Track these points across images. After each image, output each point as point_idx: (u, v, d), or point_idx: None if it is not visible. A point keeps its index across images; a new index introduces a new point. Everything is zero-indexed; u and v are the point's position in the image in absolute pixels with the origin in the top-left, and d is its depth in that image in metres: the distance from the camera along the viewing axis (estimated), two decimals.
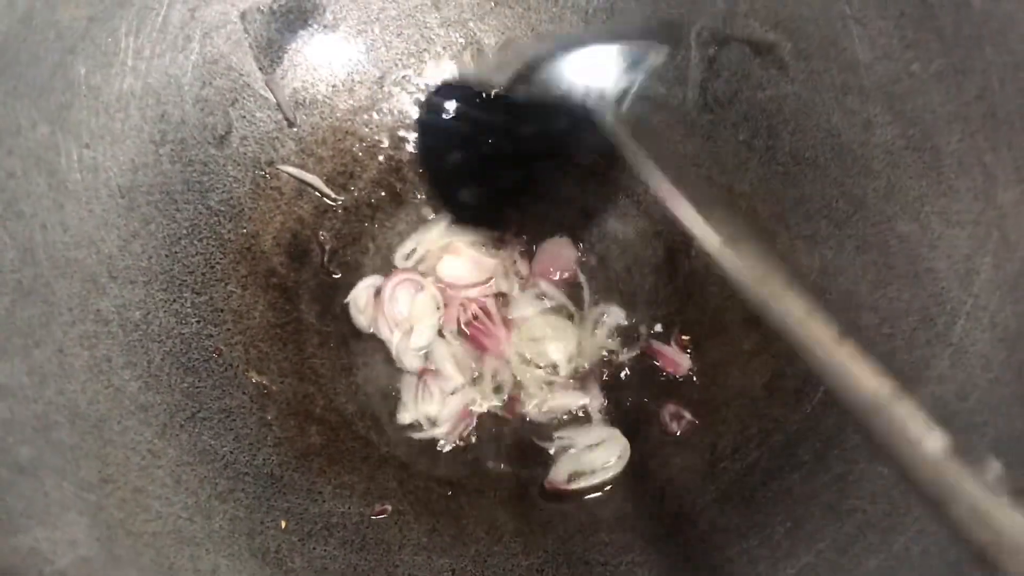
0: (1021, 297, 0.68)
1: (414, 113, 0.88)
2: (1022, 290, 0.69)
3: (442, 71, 0.88)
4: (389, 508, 0.75)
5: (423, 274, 0.85)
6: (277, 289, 0.82)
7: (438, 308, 0.84)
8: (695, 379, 0.82)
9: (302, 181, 0.83)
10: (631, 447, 0.80)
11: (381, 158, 0.87)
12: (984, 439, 0.67)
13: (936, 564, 0.65)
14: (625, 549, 0.74)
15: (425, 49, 0.88)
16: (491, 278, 0.86)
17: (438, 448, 0.81)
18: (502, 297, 0.86)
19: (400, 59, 0.88)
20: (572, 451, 0.80)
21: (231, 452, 0.74)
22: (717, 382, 0.80)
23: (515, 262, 0.87)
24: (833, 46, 0.78)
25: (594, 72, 0.73)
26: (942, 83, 0.73)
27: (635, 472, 0.78)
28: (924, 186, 0.74)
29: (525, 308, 0.85)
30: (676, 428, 0.80)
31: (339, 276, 0.84)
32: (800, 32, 0.79)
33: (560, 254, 0.87)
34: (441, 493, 0.77)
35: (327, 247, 0.84)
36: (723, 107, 0.85)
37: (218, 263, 0.80)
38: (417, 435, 0.81)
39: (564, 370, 0.84)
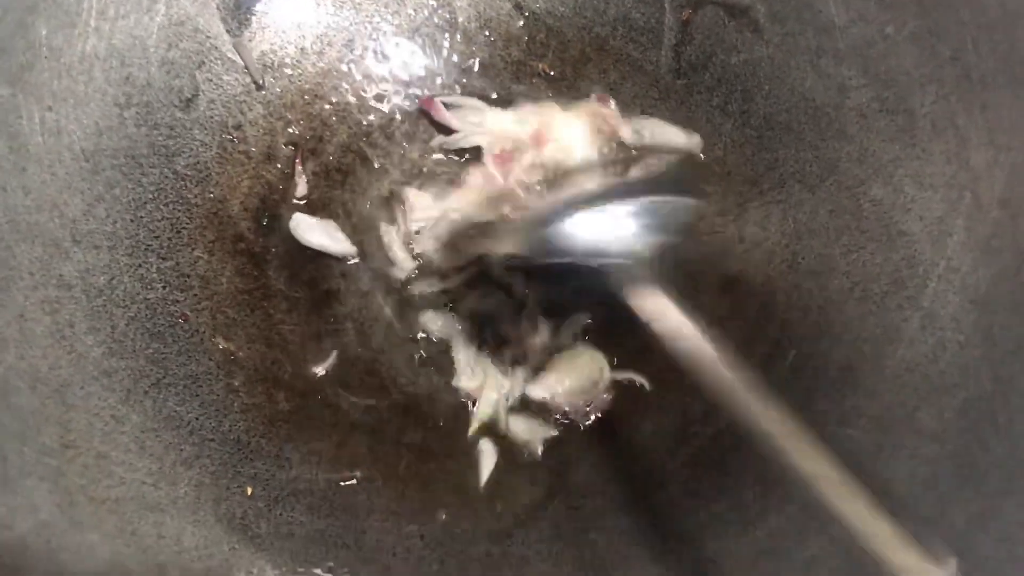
0: (992, 260, 0.68)
1: (384, 75, 0.86)
2: (993, 252, 0.68)
3: None
4: (358, 475, 0.75)
5: None
6: (245, 255, 0.80)
7: None
8: None
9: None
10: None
11: (350, 123, 0.85)
12: (954, 401, 0.67)
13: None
14: (594, 514, 0.74)
15: (396, 11, 0.86)
16: None
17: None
18: None
19: (369, 21, 0.86)
20: None
21: (197, 418, 0.73)
22: None
23: None
24: (808, 8, 0.77)
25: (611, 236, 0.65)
26: (916, 45, 0.73)
27: (605, 436, 0.78)
28: (897, 149, 0.74)
29: None
30: None
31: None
32: None
33: None
34: (410, 459, 0.77)
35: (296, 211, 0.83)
36: (697, 71, 0.84)
37: (184, 228, 0.79)
38: None
39: None
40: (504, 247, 0.73)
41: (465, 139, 0.84)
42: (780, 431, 0.55)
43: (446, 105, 0.84)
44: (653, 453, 0.76)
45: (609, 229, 0.65)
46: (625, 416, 0.78)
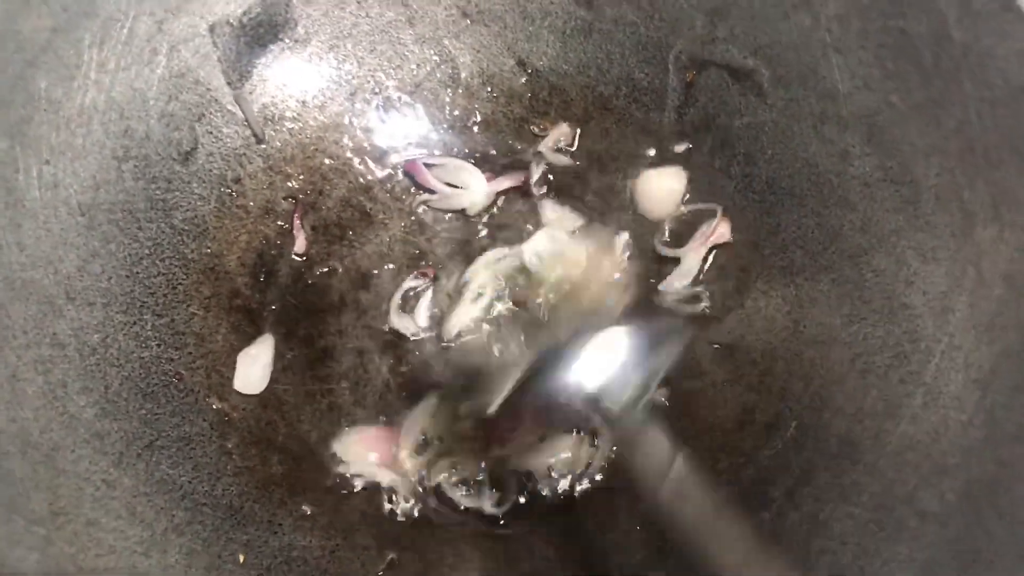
0: (996, 337, 0.68)
1: (385, 130, 0.86)
2: (997, 330, 0.68)
3: None
4: (353, 541, 0.74)
5: None
6: (240, 311, 0.80)
7: None
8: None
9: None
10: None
11: (350, 177, 0.85)
12: (955, 483, 0.66)
13: None
14: None
15: (399, 66, 0.86)
16: None
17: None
18: None
19: (372, 75, 0.86)
20: None
21: (189, 482, 0.72)
22: (688, 414, 0.79)
23: None
24: (812, 74, 0.77)
25: (598, 375, 0.74)
26: (921, 116, 0.72)
27: (603, 505, 0.77)
28: (901, 220, 0.74)
29: None
30: None
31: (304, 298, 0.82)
32: (779, 59, 0.78)
33: None
34: (405, 526, 0.76)
35: (293, 268, 0.82)
36: (699, 133, 0.84)
37: (180, 284, 0.78)
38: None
39: None
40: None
41: (445, 200, 0.84)
42: None
43: (429, 165, 0.84)
44: (652, 524, 0.75)
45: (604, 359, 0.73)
46: (624, 487, 0.77)
